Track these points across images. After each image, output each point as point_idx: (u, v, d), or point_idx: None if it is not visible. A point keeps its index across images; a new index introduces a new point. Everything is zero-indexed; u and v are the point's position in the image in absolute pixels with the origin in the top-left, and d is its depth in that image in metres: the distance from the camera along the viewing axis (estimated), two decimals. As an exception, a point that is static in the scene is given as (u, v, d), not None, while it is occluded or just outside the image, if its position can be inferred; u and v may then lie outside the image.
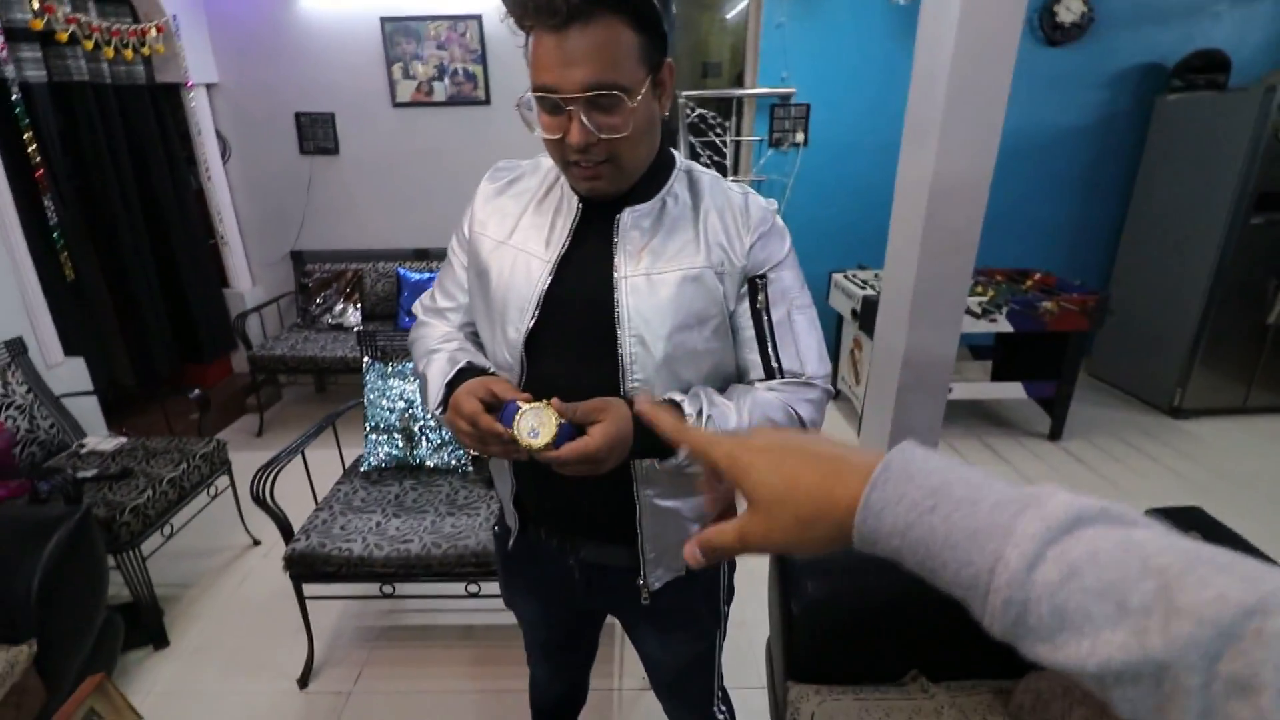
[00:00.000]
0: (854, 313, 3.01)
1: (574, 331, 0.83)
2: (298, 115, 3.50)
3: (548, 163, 0.89)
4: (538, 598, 1.08)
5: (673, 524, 0.89)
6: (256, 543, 2.45)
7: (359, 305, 3.58)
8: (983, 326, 2.81)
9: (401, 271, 3.55)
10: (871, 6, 3.23)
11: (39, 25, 2.44)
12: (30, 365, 2.27)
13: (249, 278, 3.72)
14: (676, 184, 0.85)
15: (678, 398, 0.78)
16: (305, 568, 1.70)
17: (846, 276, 3.24)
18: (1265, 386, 3.23)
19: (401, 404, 2.02)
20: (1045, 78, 3.40)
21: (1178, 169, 3.25)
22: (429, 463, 2.02)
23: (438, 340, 0.91)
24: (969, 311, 2.79)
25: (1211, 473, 2.82)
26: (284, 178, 3.60)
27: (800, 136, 3.46)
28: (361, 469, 2.04)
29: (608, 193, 0.80)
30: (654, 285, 0.80)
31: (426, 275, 3.51)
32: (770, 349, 0.85)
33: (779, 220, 0.88)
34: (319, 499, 1.95)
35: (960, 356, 2.97)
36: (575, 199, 0.84)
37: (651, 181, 0.84)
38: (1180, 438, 3.11)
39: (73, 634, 1.61)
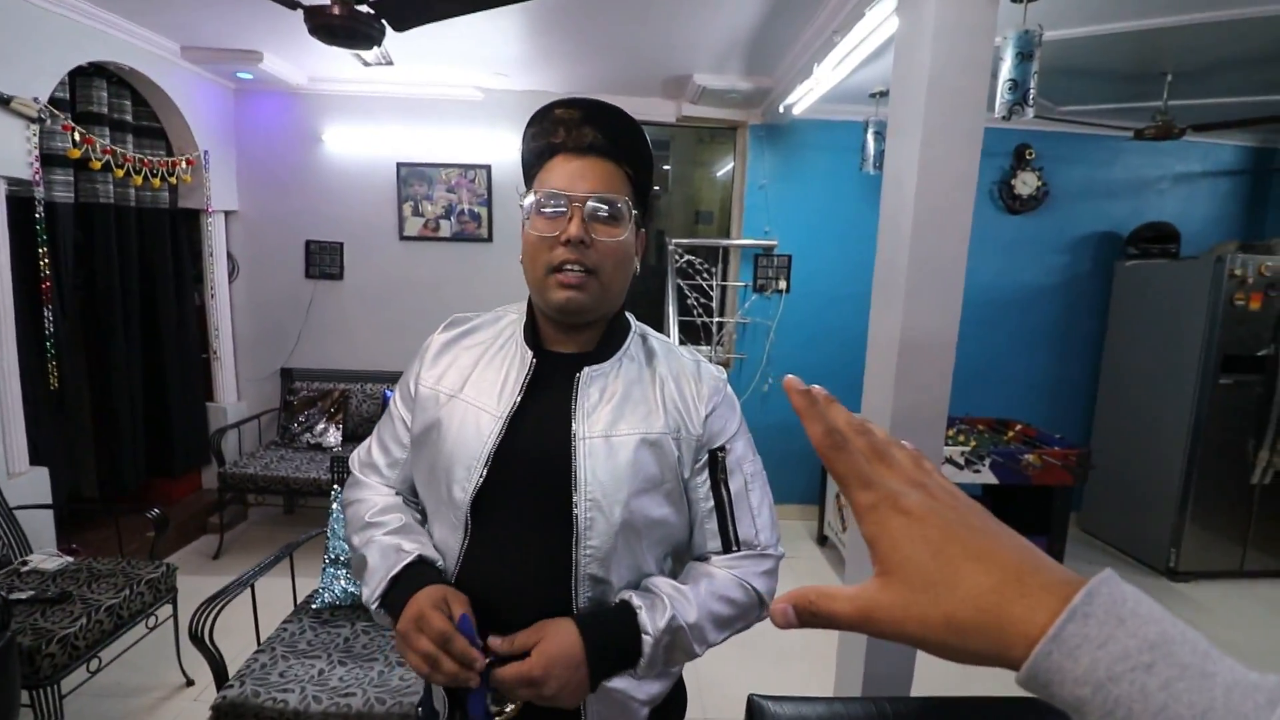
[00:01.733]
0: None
1: (525, 492, 0.80)
2: (308, 243, 3.69)
3: (507, 317, 0.91)
4: None
5: (621, 709, 0.80)
6: (190, 683, 2.23)
7: (340, 426, 3.56)
8: (966, 477, 2.79)
9: (387, 393, 3.56)
10: (843, 173, 3.53)
11: (76, 154, 2.64)
12: (-11, 475, 2.20)
13: (235, 392, 3.72)
14: (633, 346, 0.88)
15: (636, 603, 0.77)
16: (234, 719, 1.54)
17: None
18: (1260, 548, 3.17)
19: (365, 534, 1.94)
20: (1010, 242, 3.66)
21: (1143, 330, 3.41)
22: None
23: (376, 513, 0.86)
24: (952, 462, 2.78)
25: (1217, 644, 2.67)
26: (286, 298, 3.72)
27: (783, 284, 3.64)
28: (314, 605, 1.92)
29: (582, 309, 0.80)
30: (613, 447, 0.79)
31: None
32: (730, 522, 0.85)
33: (730, 390, 0.90)
34: (261, 639, 1.81)
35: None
36: (529, 353, 0.84)
37: (610, 341, 0.86)
38: (1180, 602, 2.99)
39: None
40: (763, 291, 3.66)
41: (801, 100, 2.85)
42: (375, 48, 1.98)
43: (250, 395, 3.78)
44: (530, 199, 0.81)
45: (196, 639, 1.58)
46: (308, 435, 3.52)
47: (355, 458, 0.96)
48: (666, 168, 4.48)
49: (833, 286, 3.64)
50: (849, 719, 1.31)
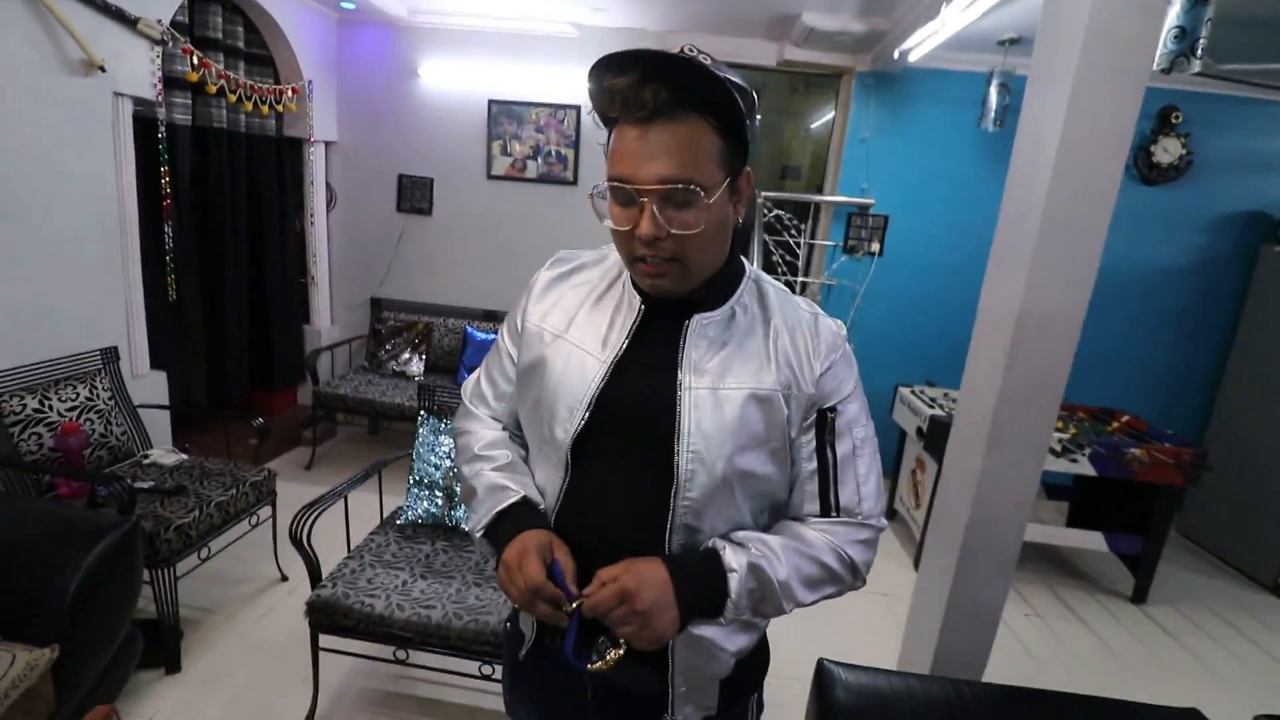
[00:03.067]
0: (919, 431, 2.88)
1: (626, 438, 0.78)
2: (400, 176, 3.77)
3: (614, 255, 0.87)
4: (542, 711, 0.96)
5: (709, 657, 0.80)
6: (284, 578, 2.44)
7: (424, 356, 3.69)
8: (1061, 465, 2.62)
9: (469, 329, 3.66)
10: (957, 129, 3.27)
11: (194, 78, 2.75)
12: (118, 374, 2.41)
13: (329, 317, 3.92)
14: (746, 294, 0.83)
15: (719, 545, 0.76)
16: (325, 617, 1.66)
17: (913, 392, 3.13)
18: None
19: (448, 463, 2.02)
20: (1142, 215, 3.32)
21: (1285, 323, 3.05)
22: (464, 526, 1.99)
23: (484, 446, 0.88)
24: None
25: (1321, 669, 2.46)
26: (379, 230, 3.84)
27: (875, 246, 3.46)
28: (398, 521, 2.03)
29: (670, 292, 0.77)
30: (719, 401, 0.76)
31: (491, 335, 3.61)
32: (831, 486, 0.81)
33: (848, 348, 0.84)
34: (351, 546, 1.94)
35: (1031, 492, 2.76)
36: (638, 298, 0.81)
37: (721, 288, 0.81)
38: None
39: (95, 645, 1.60)
40: (853, 253, 3.49)
41: (920, 45, 2.62)
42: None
43: (342, 321, 3.97)
44: (602, 185, 0.74)
45: (295, 540, 1.69)
46: (393, 363, 3.68)
47: (466, 388, 0.97)
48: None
49: (930, 253, 3.43)
50: (926, 697, 1.28)
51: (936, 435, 2.63)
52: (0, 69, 2.00)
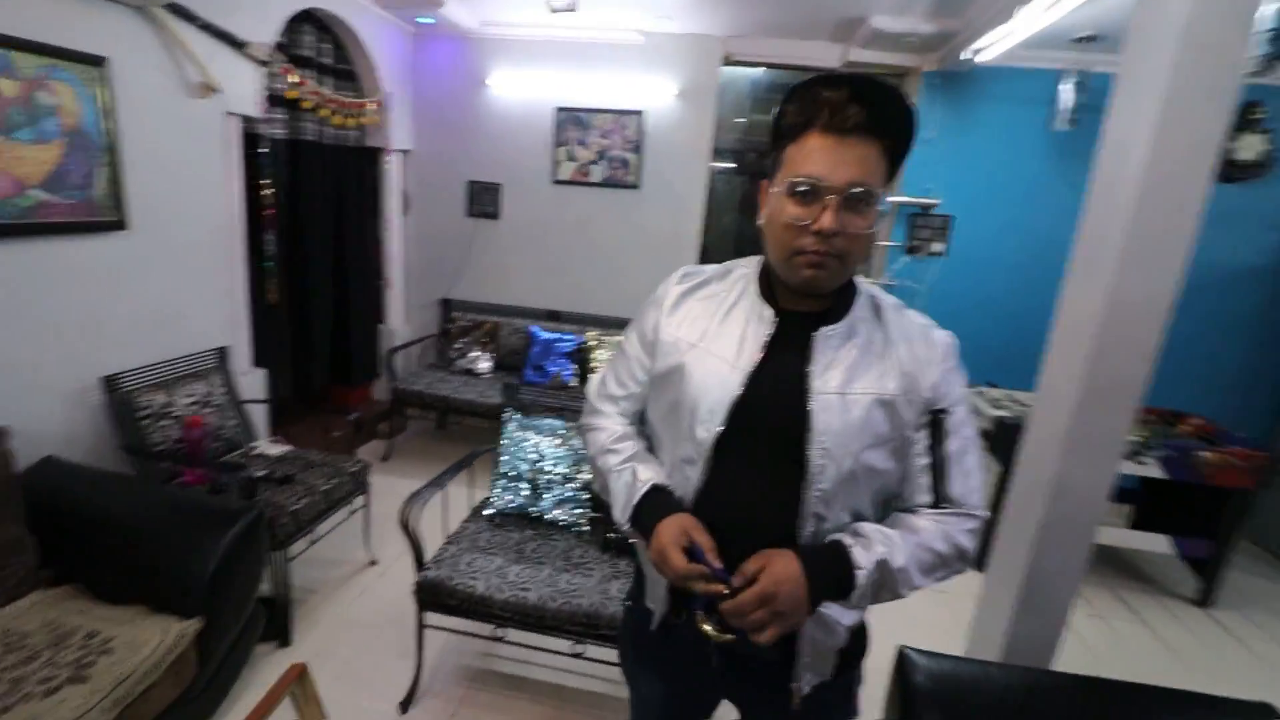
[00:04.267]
0: (984, 433, 2.88)
1: (760, 438, 0.88)
2: (470, 183, 3.94)
3: (737, 270, 0.97)
4: (665, 678, 1.08)
5: (830, 631, 0.91)
6: (374, 563, 2.62)
7: (492, 355, 3.86)
8: (1129, 468, 2.60)
9: (533, 329, 3.80)
10: (1026, 129, 3.24)
11: (293, 94, 2.96)
12: (229, 371, 2.62)
13: (403, 317, 4.13)
14: (862, 306, 0.91)
15: (848, 541, 0.84)
16: (431, 596, 1.81)
17: (977, 394, 3.13)
18: None
19: (534, 456, 2.15)
20: (1219, 214, 3.19)
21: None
22: (548, 516, 2.11)
23: (614, 440, 0.99)
24: (1117, 448, 2.60)
25: None
26: (449, 234, 4.03)
27: (939, 246, 3.45)
28: (485, 512, 2.17)
29: (822, 286, 0.86)
30: (847, 404, 0.85)
31: (555, 335, 3.74)
32: (943, 480, 0.89)
33: (958, 355, 0.92)
34: (447, 533, 2.08)
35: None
36: (769, 310, 0.91)
37: (840, 302, 0.90)
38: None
39: (230, 618, 1.78)
40: (915, 254, 3.49)
41: (994, 45, 2.63)
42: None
43: (414, 321, 4.17)
44: (784, 182, 0.83)
45: (405, 525, 1.83)
46: (462, 361, 3.85)
47: (592, 389, 1.09)
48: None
49: (996, 253, 3.41)
50: (1004, 683, 1.34)
51: (1003, 437, 2.64)
52: (137, 95, 2.21)
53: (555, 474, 2.13)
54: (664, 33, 3.52)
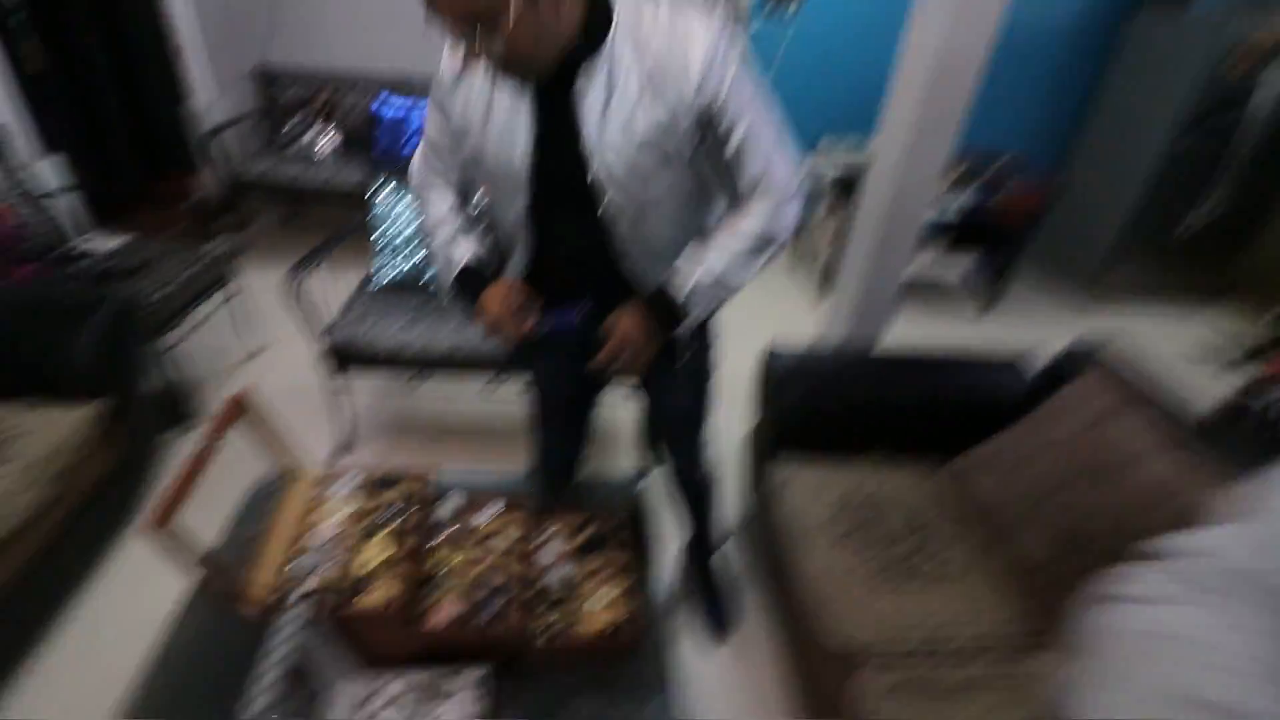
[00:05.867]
0: (836, 181, 3.23)
1: (562, 200, 0.99)
2: (263, -93, 3.16)
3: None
4: (551, 354, 1.25)
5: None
6: (262, 349, 2.54)
7: (337, 133, 3.44)
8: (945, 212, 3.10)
9: (378, 107, 3.36)
10: None
11: None
12: (9, 158, 2.20)
13: (214, 93, 3.47)
14: (618, 40, 0.87)
15: (667, 279, 1.02)
16: (343, 356, 1.88)
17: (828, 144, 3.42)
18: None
19: (416, 219, 2.11)
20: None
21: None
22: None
23: (435, 221, 1.12)
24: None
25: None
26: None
27: (793, 5, 3.44)
28: (369, 289, 2.14)
29: (532, 74, 0.87)
30: (620, 148, 0.90)
31: (406, 108, 3.36)
32: (740, 171, 0.94)
33: (723, 38, 0.87)
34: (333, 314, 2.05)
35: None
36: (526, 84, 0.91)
37: (593, 30, 0.86)
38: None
39: (127, 404, 1.75)
40: (773, 13, 3.46)
41: None
42: None
43: (229, 99, 3.54)
44: None
45: (295, 298, 1.79)
46: (297, 144, 3.41)
47: (413, 171, 1.14)
48: None
49: (846, 13, 3.48)
50: (844, 364, 1.75)
51: (852, 183, 2.98)
52: None
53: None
54: None
